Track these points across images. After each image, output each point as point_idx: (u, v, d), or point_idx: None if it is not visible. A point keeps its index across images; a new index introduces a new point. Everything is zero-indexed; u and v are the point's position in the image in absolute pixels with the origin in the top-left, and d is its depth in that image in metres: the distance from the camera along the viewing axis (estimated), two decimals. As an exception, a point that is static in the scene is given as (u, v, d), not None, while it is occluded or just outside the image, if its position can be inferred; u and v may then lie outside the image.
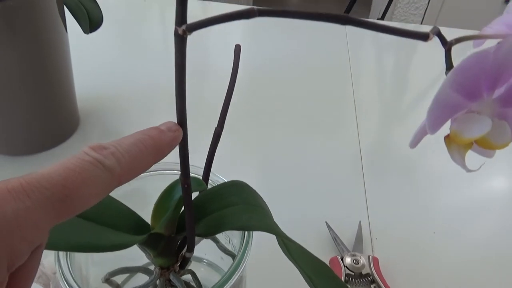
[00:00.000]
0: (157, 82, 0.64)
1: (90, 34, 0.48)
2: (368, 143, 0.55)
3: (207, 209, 0.24)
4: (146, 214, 0.24)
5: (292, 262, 0.22)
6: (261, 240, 0.29)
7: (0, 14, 0.38)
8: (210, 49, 0.73)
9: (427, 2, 2.10)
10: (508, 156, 0.54)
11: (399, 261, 0.41)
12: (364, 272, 0.39)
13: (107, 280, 0.26)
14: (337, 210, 0.45)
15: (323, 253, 0.41)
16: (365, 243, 0.42)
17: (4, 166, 0.47)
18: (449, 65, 0.18)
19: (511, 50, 0.17)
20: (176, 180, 0.23)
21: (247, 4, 2.30)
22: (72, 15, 0.47)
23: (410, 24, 1.16)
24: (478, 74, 0.17)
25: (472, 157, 0.19)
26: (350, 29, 0.80)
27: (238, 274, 0.23)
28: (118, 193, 0.26)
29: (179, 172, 0.20)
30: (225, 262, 0.31)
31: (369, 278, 0.38)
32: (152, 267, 0.26)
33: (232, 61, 0.23)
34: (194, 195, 0.24)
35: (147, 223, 0.24)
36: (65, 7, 0.45)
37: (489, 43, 0.18)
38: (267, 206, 0.25)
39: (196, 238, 0.24)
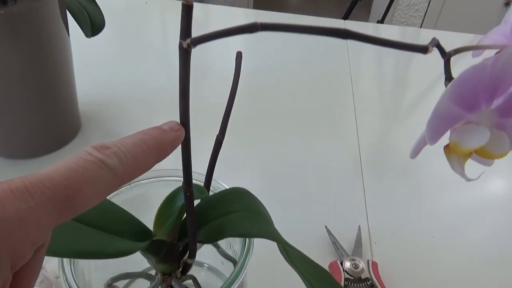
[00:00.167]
0: (159, 86, 0.64)
1: (92, 38, 0.48)
2: (368, 148, 0.55)
3: (209, 216, 0.24)
4: (148, 220, 0.24)
5: (293, 268, 0.22)
6: (262, 245, 0.29)
7: (3, 19, 0.38)
8: (210, 53, 0.73)
9: (427, 4, 2.11)
10: (508, 161, 0.54)
11: (398, 265, 0.41)
12: (363, 276, 0.39)
13: (109, 285, 0.26)
14: (336, 214, 0.46)
15: (323, 257, 0.41)
16: (365, 248, 0.42)
17: (6, 169, 0.47)
18: (448, 76, 0.18)
19: (508, 61, 0.17)
20: (178, 187, 0.23)
21: (247, 6, 2.31)
22: (74, 19, 0.47)
23: (410, 28, 1.17)
24: (477, 85, 0.17)
25: (471, 165, 0.19)
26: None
27: (240, 280, 0.23)
28: (121, 200, 0.27)
29: (181, 178, 0.21)
30: (226, 267, 0.31)
31: (368, 283, 0.39)
32: (153, 272, 0.26)
33: (233, 65, 0.23)
34: (196, 201, 0.25)
35: (149, 230, 0.24)
36: (67, 11, 0.46)
37: (488, 52, 0.18)
38: (268, 212, 0.25)
39: (198, 244, 0.24)
